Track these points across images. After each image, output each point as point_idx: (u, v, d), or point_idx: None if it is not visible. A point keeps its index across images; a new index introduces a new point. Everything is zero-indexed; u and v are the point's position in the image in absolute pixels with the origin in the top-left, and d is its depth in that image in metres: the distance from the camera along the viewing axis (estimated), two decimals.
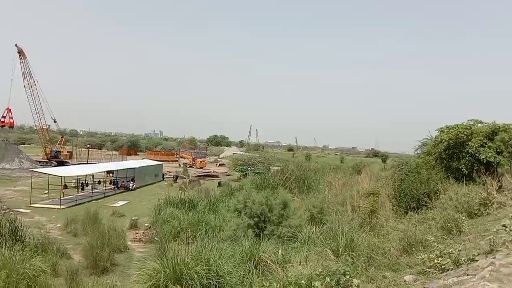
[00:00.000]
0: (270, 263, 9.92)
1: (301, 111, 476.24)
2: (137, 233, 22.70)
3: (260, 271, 10.60)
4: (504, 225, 8.53)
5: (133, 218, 24.89)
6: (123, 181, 43.12)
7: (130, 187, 42.24)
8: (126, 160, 67.31)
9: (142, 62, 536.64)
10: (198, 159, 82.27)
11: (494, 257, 7.19)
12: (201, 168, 73.66)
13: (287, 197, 18.56)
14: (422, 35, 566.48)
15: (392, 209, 19.29)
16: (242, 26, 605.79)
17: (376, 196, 20.42)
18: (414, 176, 20.47)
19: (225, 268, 10.68)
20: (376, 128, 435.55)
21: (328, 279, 6.99)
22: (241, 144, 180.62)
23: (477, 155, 19.80)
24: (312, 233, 14.09)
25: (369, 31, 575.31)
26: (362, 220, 17.71)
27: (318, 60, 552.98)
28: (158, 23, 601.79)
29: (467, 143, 20.57)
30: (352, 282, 7.21)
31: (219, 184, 45.67)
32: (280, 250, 11.18)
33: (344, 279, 7.32)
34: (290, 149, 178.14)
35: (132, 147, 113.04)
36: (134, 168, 45.70)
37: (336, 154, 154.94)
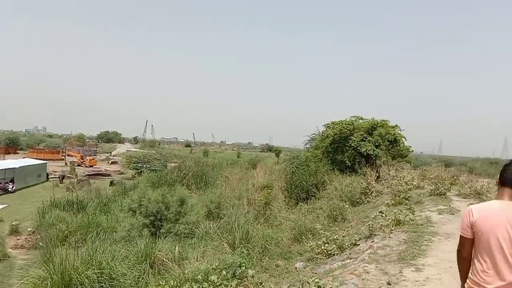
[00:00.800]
0: (167, 261, 9.82)
1: (198, 106, 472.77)
2: (18, 239, 20.64)
3: (157, 270, 10.42)
4: (381, 212, 9.60)
5: (14, 223, 22.51)
6: (0, 183, 38.86)
7: (10, 189, 38.21)
8: (4, 159, 60.38)
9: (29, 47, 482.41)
10: (87, 157, 77.08)
11: (373, 241, 8.04)
12: (91, 166, 69.15)
13: (185, 194, 18.44)
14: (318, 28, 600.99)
15: (285, 201, 20.32)
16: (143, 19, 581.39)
17: (270, 189, 21.37)
18: (303, 169, 21.75)
19: (119, 270, 10.27)
20: (270, 123, 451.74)
21: (224, 272, 7.14)
22: (135, 140, 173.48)
23: (358, 148, 21.72)
24: (210, 228, 14.27)
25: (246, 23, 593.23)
26: (257, 212, 18.40)
27: (217, 56, 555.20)
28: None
29: (350, 137, 22.45)
30: (247, 273, 7.47)
31: (112, 183, 43.42)
32: (177, 248, 11.11)
33: (240, 271, 7.56)
34: (188, 145, 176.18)
35: (11, 145, 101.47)
36: (14, 168, 41.34)
37: (233, 150, 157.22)
